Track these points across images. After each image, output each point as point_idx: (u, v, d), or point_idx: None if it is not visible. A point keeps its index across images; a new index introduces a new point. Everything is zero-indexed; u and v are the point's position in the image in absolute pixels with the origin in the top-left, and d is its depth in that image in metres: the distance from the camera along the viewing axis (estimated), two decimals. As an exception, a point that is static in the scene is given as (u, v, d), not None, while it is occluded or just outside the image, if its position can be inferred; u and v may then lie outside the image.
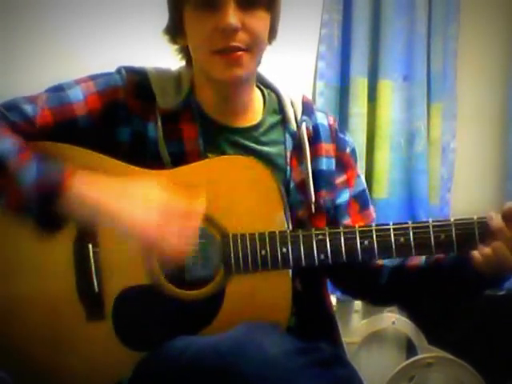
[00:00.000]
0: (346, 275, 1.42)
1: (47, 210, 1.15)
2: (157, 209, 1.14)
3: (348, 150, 1.45)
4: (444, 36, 2.38)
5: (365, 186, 1.48)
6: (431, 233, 1.23)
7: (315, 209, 1.36)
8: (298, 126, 1.38)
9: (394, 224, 1.24)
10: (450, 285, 1.32)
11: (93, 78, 1.33)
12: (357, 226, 1.26)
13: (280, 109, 1.41)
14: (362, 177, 1.49)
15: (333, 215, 1.41)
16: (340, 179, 1.43)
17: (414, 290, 1.39)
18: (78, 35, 2.13)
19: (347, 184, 1.44)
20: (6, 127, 1.23)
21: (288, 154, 1.37)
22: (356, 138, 2.26)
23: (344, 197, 1.43)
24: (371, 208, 1.48)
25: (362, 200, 1.46)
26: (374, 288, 1.42)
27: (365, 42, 2.30)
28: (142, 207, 1.14)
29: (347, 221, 1.43)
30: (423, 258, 1.36)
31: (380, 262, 1.39)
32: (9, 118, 1.25)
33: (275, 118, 1.40)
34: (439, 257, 1.32)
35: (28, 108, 1.26)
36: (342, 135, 1.46)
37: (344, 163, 1.44)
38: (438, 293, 1.36)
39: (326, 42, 2.30)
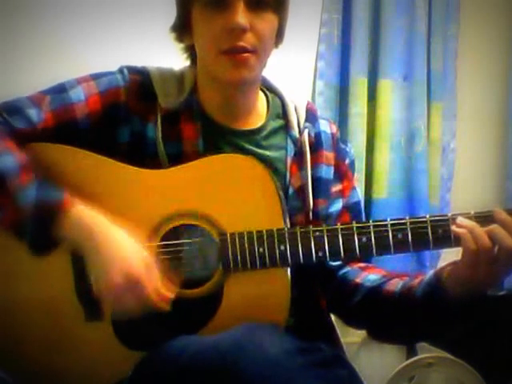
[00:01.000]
0: (324, 288, 1.41)
1: (42, 233, 1.17)
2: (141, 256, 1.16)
3: (347, 161, 1.45)
4: (444, 36, 2.38)
5: (359, 199, 1.47)
6: (429, 228, 1.22)
7: (312, 216, 1.36)
8: (301, 133, 1.38)
9: (391, 220, 1.24)
10: (422, 315, 1.28)
11: (94, 77, 1.33)
12: (354, 222, 1.25)
13: (283, 114, 1.41)
14: (359, 190, 1.48)
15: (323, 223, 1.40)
16: (335, 188, 1.43)
17: (384, 317, 1.35)
18: (79, 35, 2.13)
19: (341, 194, 1.44)
20: (9, 137, 1.23)
21: (288, 160, 1.37)
22: (356, 138, 2.26)
23: (336, 206, 1.43)
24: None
25: (354, 212, 1.45)
26: (347, 305, 1.39)
27: (365, 42, 2.29)
28: (132, 248, 1.17)
29: None
30: (399, 284, 1.32)
31: (359, 280, 1.38)
32: (12, 125, 1.25)
33: (278, 123, 1.40)
34: (413, 284, 1.29)
35: (32, 113, 1.26)
36: (343, 145, 1.45)
37: (341, 173, 1.44)
38: (411, 323, 1.32)
39: (326, 42, 2.30)
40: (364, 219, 1.47)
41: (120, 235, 1.18)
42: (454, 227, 1.20)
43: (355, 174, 1.48)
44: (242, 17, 1.23)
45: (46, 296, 1.23)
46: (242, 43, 1.25)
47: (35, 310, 1.23)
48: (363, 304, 1.36)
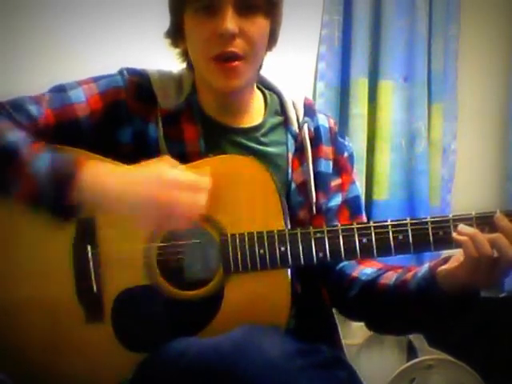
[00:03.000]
0: (323, 282, 1.41)
1: (61, 195, 1.15)
2: (164, 181, 1.13)
3: (346, 155, 1.45)
4: (445, 36, 2.38)
5: (359, 193, 1.48)
6: (430, 230, 1.22)
7: (315, 210, 1.37)
8: (300, 128, 1.38)
9: (392, 221, 1.23)
10: (416, 307, 1.28)
11: (95, 79, 1.34)
12: (355, 223, 1.25)
13: (282, 110, 1.41)
14: (358, 184, 1.48)
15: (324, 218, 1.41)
16: (334, 182, 1.43)
17: (380, 310, 1.35)
18: (79, 36, 2.13)
19: (341, 188, 1.44)
20: (13, 123, 1.23)
21: (290, 155, 1.37)
22: (356, 139, 2.26)
23: (336, 201, 1.43)
24: (363, 215, 1.47)
25: (353, 206, 1.45)
26: (345, 298, 1.39)
27: (365, 43, 2.29)
28: (151, 182, 1.14)
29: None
30: (393, 277, 1.33)
31: (355, 274, 1.38)
32: (15, 118, 1.25)
33: (277, 119, 1.40)
34: (406, 277, 1.30)
35: (33, 109, 1.27)
36: (341, 139, 1.46)
37: (340, 167, 1.44)
38: (405, 316, 1.32)
39: (327, 43, 2.30)
40: (364, 213, 1.48)
41: (136, 170, 1.17)
42: (455, 234, 1.19)
43: (354, 168, 1.48)
44: (230, 22, 1.23)
45: (46, 297, 1.23)
46: (231, 49, 1.25)
47: (35, 311, 1.23)
48: (360, 297, 1.36)
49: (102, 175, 1.17)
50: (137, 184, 1.14)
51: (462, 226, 1.20)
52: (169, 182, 1.13)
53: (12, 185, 1.17)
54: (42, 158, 1.17)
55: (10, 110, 1.26)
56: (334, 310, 1.48)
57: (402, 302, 1.29)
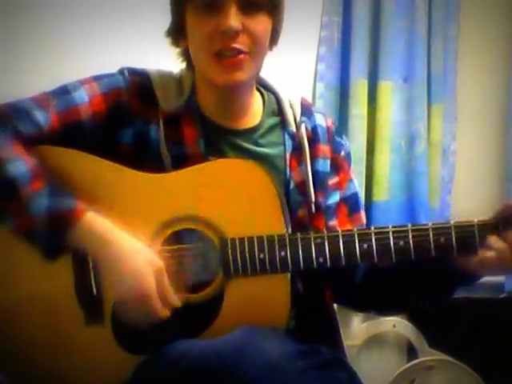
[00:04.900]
0: (327, 276, 1.40)
1: (54, 241, 1.18)
2: (152, 268, 1.18)
3: (343, 153, 1.46)
4: (444, 37, 2.37)
5: (357, 190, 1.48)
6: (431, 236, 1.22)
7: (315, 209, 1.37)
8: (298, 127, 1.38)
9: (393, 227, 1.23)
10: (423, 279, 1.29)
11: (96, 78, 1.33)
12: (355, 229, 1.26)
13: (279, 110, 1.41)
14: (356, 181, 1.49)
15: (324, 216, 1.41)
16: (332, 181, 1.43)
17: (388, 287, 1.36)
18: (79, 36, 2.13)
19: (338, 186, 1.44)
20: (18, 142, 1.23)
21: (287, 155, 1.37)
22: (356, 140, 2.26)
23: (334, 198, 1.43)
24: (362, 212, 1.47)
25: (351, 203, 1.46)
26: (351, 288, 1.40)
27: (365, 44, 2.29)
28: (144, 259, 1.18)
29: (334, 223, 1.43)
30: None
31: None
32: (19, 130, 1.24)
33: (274, 120, 1.41)
34: None
35: (39, 116, 1.26)
36: (338, 138, 1.46)
37: (337, 165, 1.44)
38: (411, 289, 1.33)
39: (326, 44, 2.29)
40: (363, 210, 1.48)
41: (132, 244, 1.19)
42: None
43: (351, 166, 1.49)
44: (234, 19, 1.24)
45: (46, 299, 1.23)
46: (234, 45, 1.25)
47: (35, 312, 1.23)
48: (367, 280, 1.37)
49: (100, 228, 1.18)
50: (126, 260, 1.18)
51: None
52: (150, 279, 1.17)
53: (8, 219, 1.19)
54: (40, 200, 1.17)
55: (14, 121, 1.24)
56: (335, 310, 1.48)
57: (409, 273, 1.30)
